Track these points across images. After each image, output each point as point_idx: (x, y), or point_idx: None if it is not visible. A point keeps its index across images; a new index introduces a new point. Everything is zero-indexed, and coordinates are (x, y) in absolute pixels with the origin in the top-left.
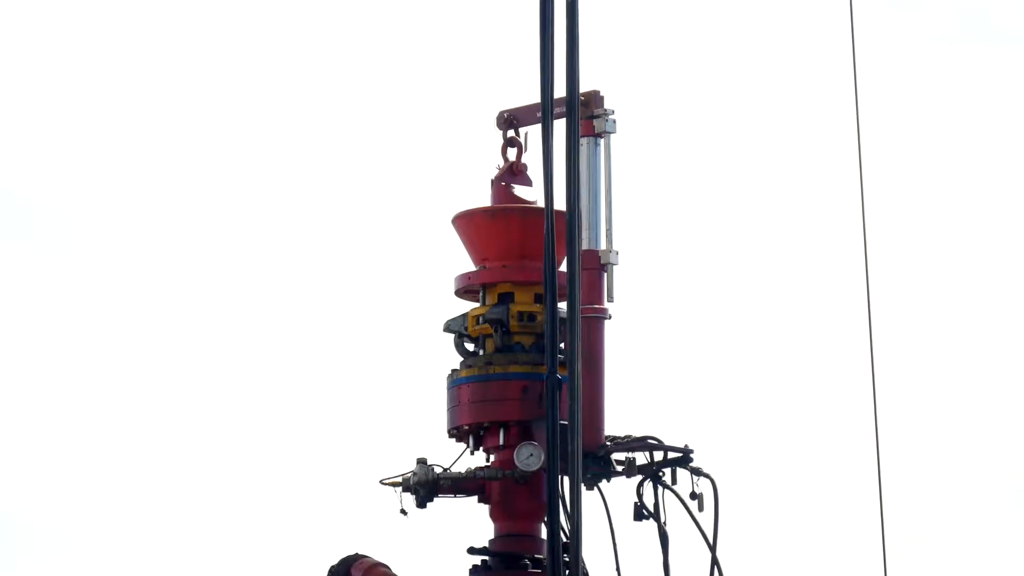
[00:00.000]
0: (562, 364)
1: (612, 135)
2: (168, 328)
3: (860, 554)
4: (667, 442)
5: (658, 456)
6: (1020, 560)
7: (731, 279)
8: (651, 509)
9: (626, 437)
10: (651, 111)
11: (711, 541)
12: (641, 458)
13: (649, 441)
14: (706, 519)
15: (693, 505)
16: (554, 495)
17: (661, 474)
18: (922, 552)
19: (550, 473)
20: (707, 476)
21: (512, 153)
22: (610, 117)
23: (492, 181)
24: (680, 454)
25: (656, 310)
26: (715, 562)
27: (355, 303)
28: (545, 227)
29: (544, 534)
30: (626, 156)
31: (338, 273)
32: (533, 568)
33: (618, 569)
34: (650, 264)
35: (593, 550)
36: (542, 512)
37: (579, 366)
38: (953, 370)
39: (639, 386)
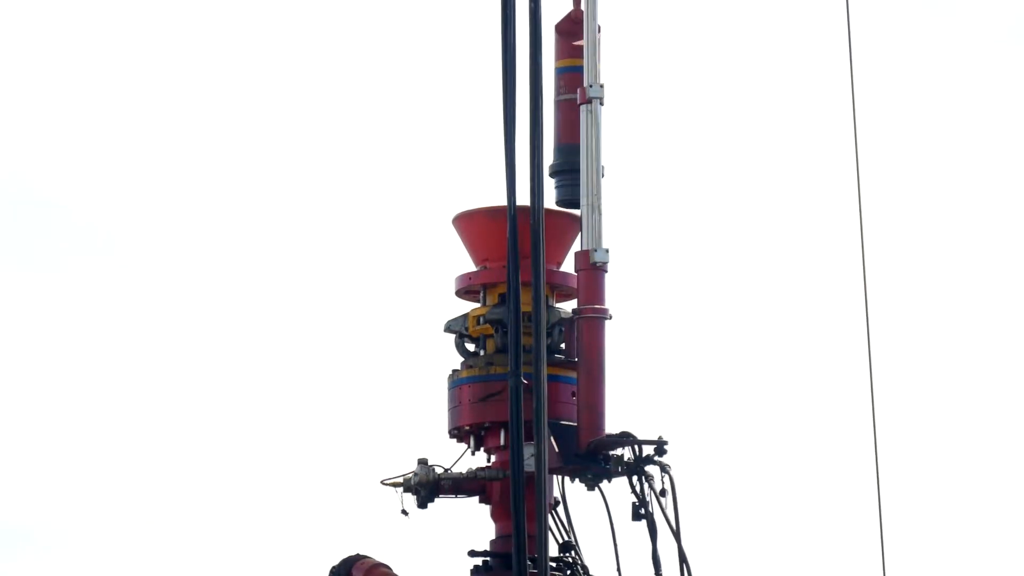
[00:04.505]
0: (563, 364)
1: (601, 103)
2: (168, 328)
3: (859, 554)
4: (642, 436)
5: (640, 450)
6: (1020, 560)
7: (728, 278)
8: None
9: (607, 436)
10: (648, 106)
11: (674, 529)
12: (627, 454)
13: (624, 436)
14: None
15: (664, 501)
16: (518, 497)
17: (641, 469)
18: (920, 551)
19: (514, 474)
20: (661, 465)
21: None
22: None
23: (555, 27)
24: (654, 445)
25: (653, 309)
26: (681, 555)
27: (356, 303)
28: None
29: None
30: (621, 152)
31: (339, 273)
32: (534, 568)
33: (618, 569)
34: (645, 263)
35: (593, 550)
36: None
37: (544, 362)
38: (951, 369)
39: (639, 386)
